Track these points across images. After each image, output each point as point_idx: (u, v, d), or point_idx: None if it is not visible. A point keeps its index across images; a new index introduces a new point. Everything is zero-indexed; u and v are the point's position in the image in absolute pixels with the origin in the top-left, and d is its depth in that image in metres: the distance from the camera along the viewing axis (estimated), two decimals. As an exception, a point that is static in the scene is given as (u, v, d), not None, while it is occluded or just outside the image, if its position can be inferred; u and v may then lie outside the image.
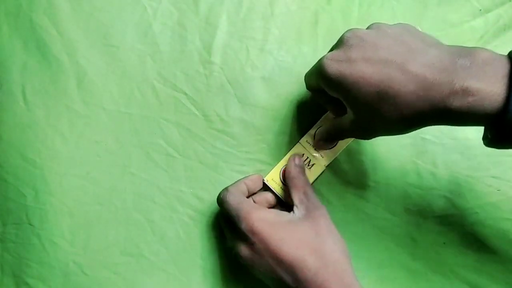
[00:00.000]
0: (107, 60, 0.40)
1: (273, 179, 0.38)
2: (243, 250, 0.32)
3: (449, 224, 0.38)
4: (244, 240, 0.32)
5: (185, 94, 0.40)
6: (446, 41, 0.38)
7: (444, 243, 0.38)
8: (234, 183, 0.37)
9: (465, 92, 0.24)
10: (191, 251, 0.39)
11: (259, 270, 0.31)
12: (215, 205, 0.39)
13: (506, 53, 0.25)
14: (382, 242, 0.38)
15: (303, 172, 0.36)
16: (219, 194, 0.36)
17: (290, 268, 0.30)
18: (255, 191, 0.38)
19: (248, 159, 0.39)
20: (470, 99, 0.24)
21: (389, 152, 0.39)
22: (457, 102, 0.24)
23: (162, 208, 0.40)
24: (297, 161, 0.36)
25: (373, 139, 0.32)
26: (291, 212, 0.34)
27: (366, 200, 0.39)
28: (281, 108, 0.39)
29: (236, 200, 0.34)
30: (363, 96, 0.27)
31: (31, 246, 0.40)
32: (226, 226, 0.36)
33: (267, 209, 0.34)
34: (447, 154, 0.38)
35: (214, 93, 0.40)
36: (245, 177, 0.38)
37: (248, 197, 0.37)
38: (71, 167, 0.40)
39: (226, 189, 0.36)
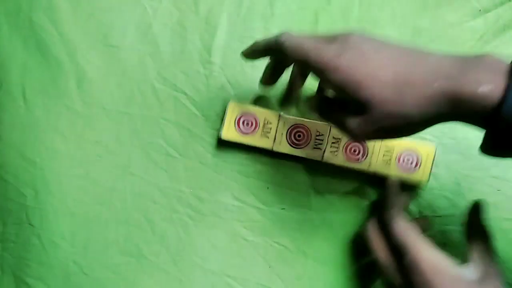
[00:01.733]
0: (107, 60, 0.40)
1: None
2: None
3: (449, 224, 0.38)
4: (404, 274, 0.29)
5: (185, 94, 0.40)
6: (446, 41, 0.39)
7: (444, 243, 0.38)
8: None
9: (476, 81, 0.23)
10: (191, 251, 0.39)
11: None
12: (215, 205, 0.39)
13: (506, 53, 0.25)
14: (382, 242, 0.38)
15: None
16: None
17: None
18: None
19: (248, 158, 0.39)
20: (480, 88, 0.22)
21: (389, 152, 0.39)
22: (467, 88, 0.23)
23: (162, 208, 0.40)
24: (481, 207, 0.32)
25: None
26: (465, 265, 0.28)
27: (366, 200, 0.39)
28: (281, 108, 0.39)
29: (404, 226, 0.30)
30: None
31: (31, 246, 0.40)
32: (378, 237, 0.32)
33: (437, 249, 0.29)
34: (447, 154, 0.38)
35: (214, 93, 0.40)
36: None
37: None
38: (71, 167, 0.40)
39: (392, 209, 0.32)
